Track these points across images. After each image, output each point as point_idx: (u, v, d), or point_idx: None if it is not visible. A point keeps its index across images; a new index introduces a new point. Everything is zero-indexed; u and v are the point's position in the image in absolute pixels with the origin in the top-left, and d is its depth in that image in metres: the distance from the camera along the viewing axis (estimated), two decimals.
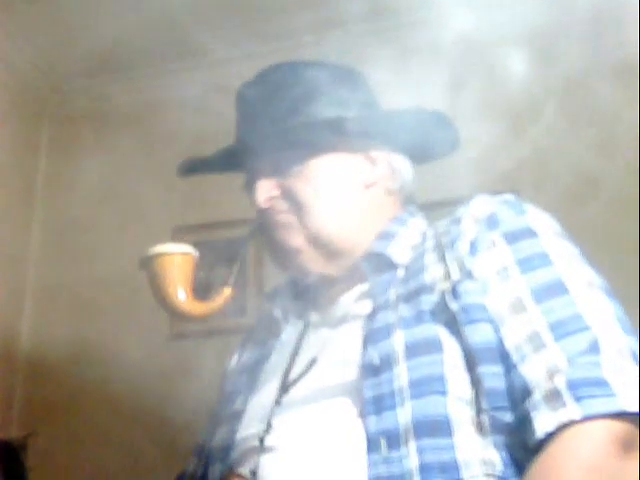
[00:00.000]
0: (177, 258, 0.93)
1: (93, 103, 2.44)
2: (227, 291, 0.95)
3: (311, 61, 1.03)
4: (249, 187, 1.00)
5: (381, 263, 0.91)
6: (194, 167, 1.07)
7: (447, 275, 0.82)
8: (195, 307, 0.93)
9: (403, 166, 1.00)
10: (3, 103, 2.22)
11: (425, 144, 1.01)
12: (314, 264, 0.94)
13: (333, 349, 0.89)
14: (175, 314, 0.94)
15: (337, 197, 0.95)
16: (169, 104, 2.29)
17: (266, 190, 0.96)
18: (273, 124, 0.96)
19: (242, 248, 1.01)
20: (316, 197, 0.94)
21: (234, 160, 1.01)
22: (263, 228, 0.98)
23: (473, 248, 0.83)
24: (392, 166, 0.99)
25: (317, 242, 0.93)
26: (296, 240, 0.94)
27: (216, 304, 0.95)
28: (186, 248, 0.94)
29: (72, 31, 2.23)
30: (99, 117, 2.41)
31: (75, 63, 2.37)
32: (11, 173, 2.23)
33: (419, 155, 1.03)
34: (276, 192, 0.96)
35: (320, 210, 0.94)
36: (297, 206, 0.94)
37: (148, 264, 0.93)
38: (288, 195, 0.95)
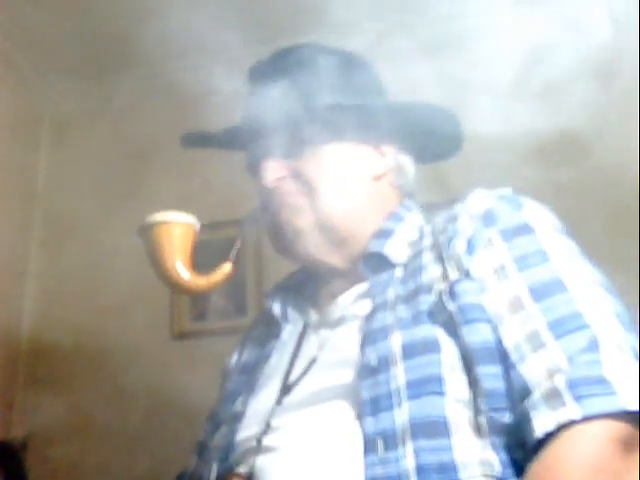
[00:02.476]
0: (177, 227, 0.89)
1: (92, 103, 2.44)
2: (227, 266, 0.91)
3: (326, 46, 1.02)
4: (253, 167, 0.99)
5: (379, 262, 0.90)
6: (197, 140, 1.06)
7: (445, 275, 0.82)
8: (194, 281, 0.89)
9: (408, 164, 1.01)
10: (3, 103, 2.21)
11: (430, 139, 1.00)
12: (316, 249, 0.94)
13: (332, 350, 0.88)
14: (173, 287, 0.90)
15: (346, 183, 0.95)
16: (170, 103, 2.28)
17: (273, 170, 0.95)
18: (285, 106, 0.94)
19: (245, 226, 0.99)
20: (326, 181, 0.93)
21: (238, 138, 1.00)
22: (267, 209, 0.97)
23: (470, 246, 0.82)
24: (398, 162, 1.00)
25: (323, 226, 0.93)
26: (301, 222, 0.93)
27: (216, 278, 0.90)
28: (187, 218, 0.90)
29: (72, 31, 2.22)
30: (98, 117, 2.41)
31: (74, 63, 2.36)
32: (11, 172, 2.22)
33: (423, 152, 1.03)
34: (284, 173, 0.95)
35: (329, 194, 0.93)
36: (306, 188, 0.93)
37: (147, 232, 0.89)
38: (297, 177, 0.94)
